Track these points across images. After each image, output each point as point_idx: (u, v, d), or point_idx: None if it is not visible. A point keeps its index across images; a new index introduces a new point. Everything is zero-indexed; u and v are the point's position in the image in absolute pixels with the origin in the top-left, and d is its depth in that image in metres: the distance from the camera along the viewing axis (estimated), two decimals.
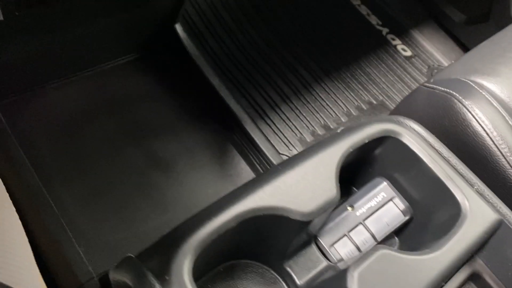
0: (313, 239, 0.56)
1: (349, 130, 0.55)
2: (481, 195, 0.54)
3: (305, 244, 0.55)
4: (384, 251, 0.46)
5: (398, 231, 0.59)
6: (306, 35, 1.17)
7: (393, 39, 1.25)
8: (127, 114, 0.87)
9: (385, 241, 0.58)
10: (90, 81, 0.88)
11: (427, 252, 0.48)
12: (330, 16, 1.23)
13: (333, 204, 0.48)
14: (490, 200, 0.54)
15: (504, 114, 0.63)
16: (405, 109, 0.73)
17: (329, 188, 0.48)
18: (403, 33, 1.27)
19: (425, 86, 0.69)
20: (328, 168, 0.50)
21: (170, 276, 0.40)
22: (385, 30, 1.26)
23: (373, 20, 1.27)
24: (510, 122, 0.62)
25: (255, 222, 0.46)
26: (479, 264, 0.55)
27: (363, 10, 1.28)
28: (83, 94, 0.86)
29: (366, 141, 0.54)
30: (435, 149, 0.57)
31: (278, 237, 0.50)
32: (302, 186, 0.48)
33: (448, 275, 0.48)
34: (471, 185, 0.54)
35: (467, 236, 0.50)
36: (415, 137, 0.55)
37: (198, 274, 0.45)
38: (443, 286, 0.48)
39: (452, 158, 0.56)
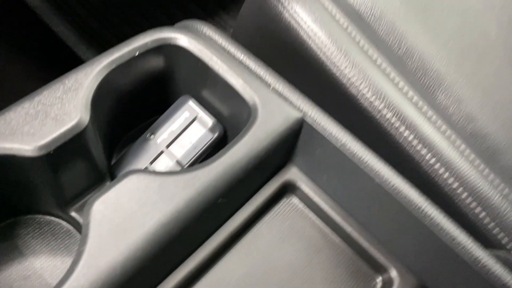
0: (108, 176, 0.48)
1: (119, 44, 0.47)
2: (279, 94, 0.46)
3: (98, 182, 0.48)
4: (134, 175, 0.39)
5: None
6: None
7: None
8: None
9: None
10: None
11: (199, 167, 0.41)
12: None
13: (77, 129, 0.41)
14: (290, 99, 0.46)
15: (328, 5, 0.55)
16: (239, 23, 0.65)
17: (71, 113, 0.41)
18: None
19: None
20: (76, 92, 0.42)
21: None
22: None
23: None
24: (330, 11, 0.54)
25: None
26: (293, 172, 0.48)
27: None
28: None
29: (136, 53, 0.46)
30: (228, 51, 0.49)
31: (34, 181, 0.43)
32: (32, 118, 0.40)
33: (224, 187, 0.41)
34: (268, 85, 0.47)
35: (253, 139, 0.43)
36: (201, 41, 0.47)
37: None
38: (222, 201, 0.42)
39: (249, 59, 0.48)
